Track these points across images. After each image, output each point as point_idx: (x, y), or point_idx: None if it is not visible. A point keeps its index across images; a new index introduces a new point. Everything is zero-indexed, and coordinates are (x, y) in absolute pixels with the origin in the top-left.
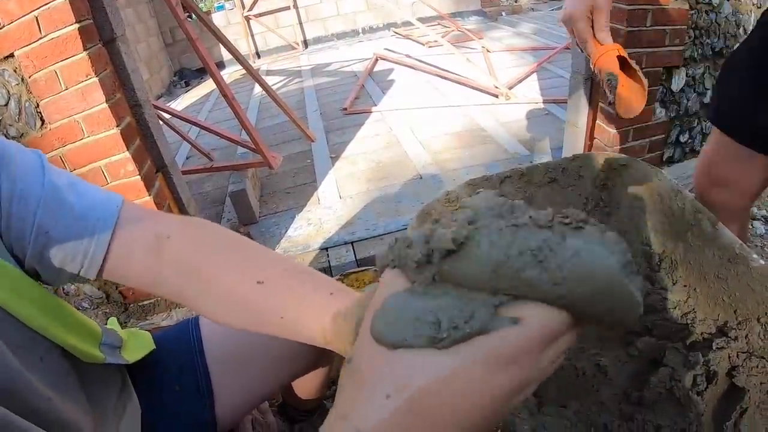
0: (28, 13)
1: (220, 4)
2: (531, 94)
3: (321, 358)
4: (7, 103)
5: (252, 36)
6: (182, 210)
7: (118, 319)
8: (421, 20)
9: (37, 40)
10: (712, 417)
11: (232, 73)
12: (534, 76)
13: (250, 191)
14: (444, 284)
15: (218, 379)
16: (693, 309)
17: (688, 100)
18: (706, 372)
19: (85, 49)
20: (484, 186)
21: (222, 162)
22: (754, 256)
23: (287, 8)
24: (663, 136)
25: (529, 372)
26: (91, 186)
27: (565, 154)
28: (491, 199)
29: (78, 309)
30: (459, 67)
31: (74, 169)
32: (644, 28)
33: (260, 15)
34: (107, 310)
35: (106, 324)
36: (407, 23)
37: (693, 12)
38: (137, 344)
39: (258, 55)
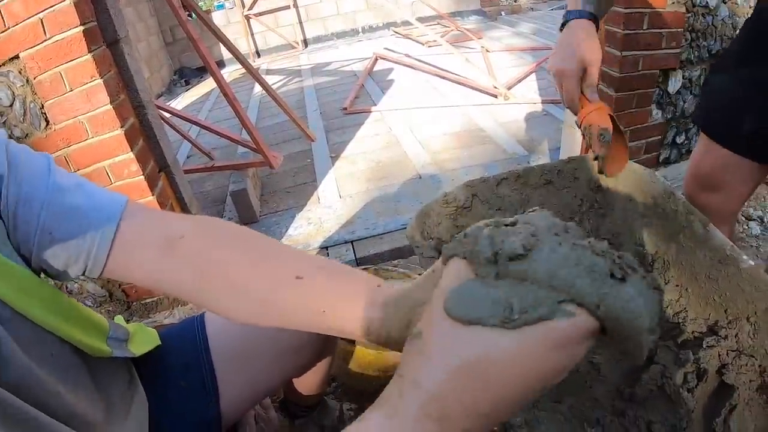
0: (33, 16)
1: (220, 3)
2: (530, 94)
3: (322, 353)
4: (12, 104)
5: (252, 35)
6: (184, 209)
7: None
8: (421, 20)
9: (42, 42)
10: (702, 413)
11: (231, 72)
12: (533, 76)
13: (250, 190)
14: (504, 280)
15: (223, 375)
16: (684, 308)
17: (684, 102)
18: (696, 370)
19: (89, 51)
20: (481, 187)
21: (223, 161)
22: (744, 257)
23: (287, 7)
24: (659, 137)
25: (571, 358)
26: (97, 188)
27: (563, 155)
28: (548, 219)
29: None
30: (458, 67)
31: (78, 170)
32: (641, 31)
33: (260, 14)
34: (110, 308)
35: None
36: (407, 23)
37: (690, 15)
38: (144, 338)
39: (258, 54)
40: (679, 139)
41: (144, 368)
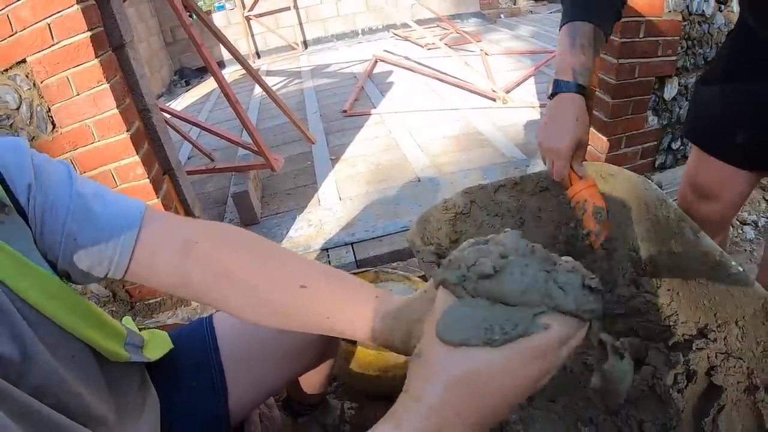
0: (40, 20)
1: (221, 4)
2: (528, 98)
3: (326, 353)
4: (19, 107)
5: (252, 36)
6: (188, 211)
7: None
8: (421, 22)
9: (50, 46)
10: (692, 413)
11: (231, 73)
12: (531, 79)
13: (252, 192)
14: (480, 299)
15: (232, 375)
16: (675, 312)
17: (679, 109)
18: (686, 371)
19: (96, 57)
20: (479, 194)
21: (224, 163)
22: (733, 263)
23: (287, 9)
24: (655, 143)
25: (551, 363)
26: (117, 195)
27: None
28: (517, 241)
29: None
30: (457, 70)
31: (84, 172)
32: (638, 39)
33: (260, 15)
34: (114, 309)
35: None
36: (406, 25)
37: (686, 23)
38: (157, 343)
39: (258, 55)
40: (675, 145)
41: (155, 369)
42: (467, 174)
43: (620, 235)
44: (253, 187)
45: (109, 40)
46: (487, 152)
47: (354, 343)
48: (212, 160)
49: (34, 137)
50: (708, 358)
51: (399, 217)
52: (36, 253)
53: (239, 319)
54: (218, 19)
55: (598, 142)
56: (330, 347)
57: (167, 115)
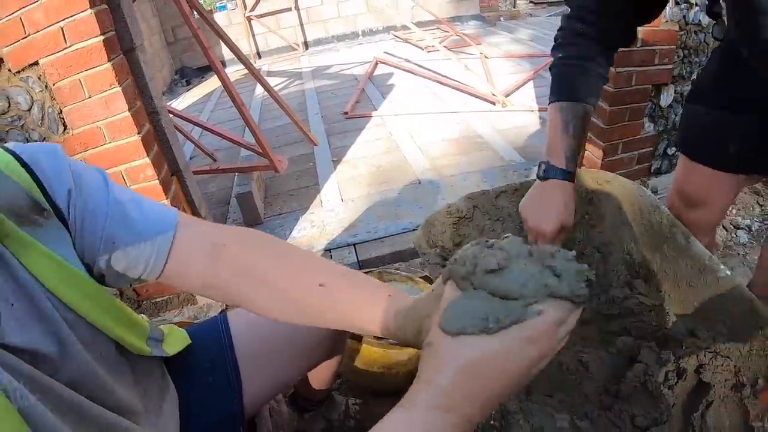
0: (53, 24)
1: (222, 4)
2: (527, 101)
3: (333, 350)
4: (31, 108)
5: (253, 36)
6: (195, 212)
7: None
8: (421, 24)
9: (62, 49)
10: (681, 409)
11: (233, 73)
12: (530, 83)
13: (255, 193)
14: (482, 292)
15: (247, 372)
16: (667, 312)
17: (675, 116)
18: (676, 369)
19: (109, 60)
20: (481, 199)
21: (227, 164)
22: (722, 267)
23: (289, 9)
24: (651, 148)
25: (549, 346)
26: (151, 201)
27: None
28: (518, 244)
29: None
30: (457, 73)
31: None
32: (635, 49)
33: (262, 16)
34: None
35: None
36: (406, 27)
37: (682, 33)
38: (175, 338)
39: (259, 55)
40: (670, 151)
41: (173, 365)
42: (467, 177)
43: (615, 239)
44: (256, 187)
45: (120, 44)
46: (486, 155)
47: (359, 340)
48: (214, 160)
49: (45, 138)
50: (697, 356)
51: (400, 218)
52: (74, 255)
53: (264, 316)
54: (219, 19)
55: (596, 147)
56: (337, 345)
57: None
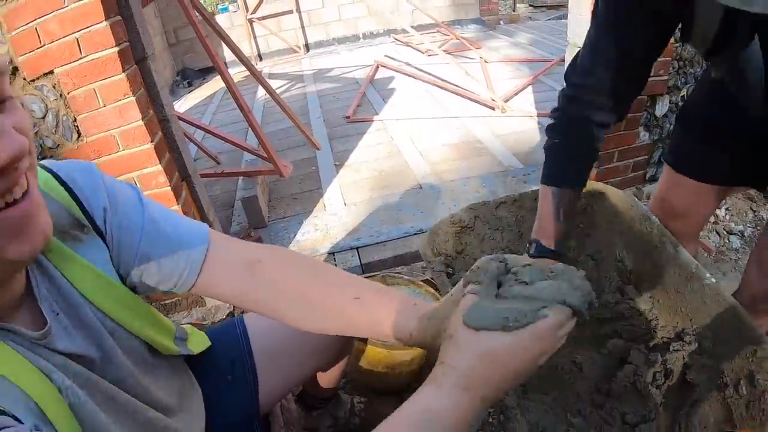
0: (69, 35)
1: (224, 6)
2: (525, 107)
3: (342, 352)
4: (45, 116)
5: (254, 38)
6: (203, 217)
7: None
8: (422, 27)
9: (77, 60)
10: (669, 407)
11: (234, 75)
12: (529, 88)
13: (260, 197)
14: (496, 298)
15: (263, 371)
16: (656, 317)
17: (670, 125)
18: (664, 369)
19: (123, 71)
20: (482, 210)
21: (233, 168)
22: (707, 275)
23: (290, 12)
24: (646, 156)
25: (551, 343)
26: (181, 217)
27: None
28: (539, 271)
29: None
30: (457, 77)
31: None
32: None
33: (263, 18)
34: None
35: None
36: (406, 30)
37: (678, 45)
38: (198, 338)
39: (260, 57)
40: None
41: (194, 365)
42: (467, 182)
43: (608, 247)
44: (261, 191)
45: (133, 54)
46: (485, 161)
47: (365, 341)
48: (218, 162)
49: (59, 145)
50: (683, 358)
51: (402, 223)
52: (111, 267)
53: (296, 327)
54: (221, 21)
55: None
56: (346, 347)
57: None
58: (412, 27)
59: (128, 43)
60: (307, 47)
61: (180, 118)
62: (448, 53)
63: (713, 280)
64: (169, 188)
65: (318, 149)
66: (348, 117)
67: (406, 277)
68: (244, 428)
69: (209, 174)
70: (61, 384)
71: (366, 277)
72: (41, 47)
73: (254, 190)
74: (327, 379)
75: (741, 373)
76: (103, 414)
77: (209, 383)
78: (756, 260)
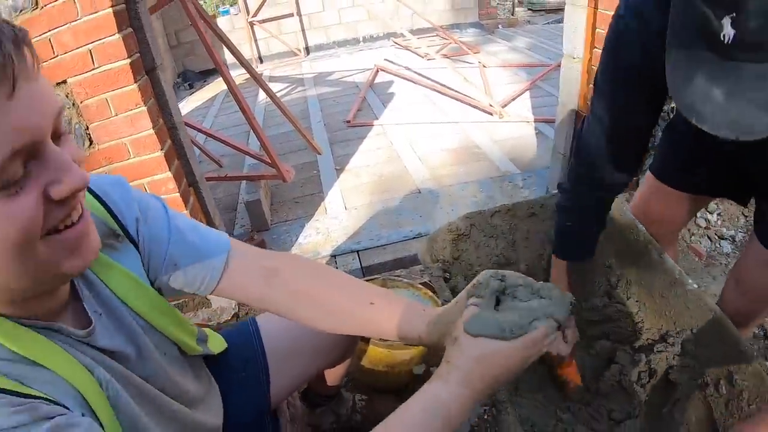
0: (82, 46)
1: (225, 9)
2: (523, 112)
3: (348, 351)
4: None
5: (255, 41)
6: (210, 221)
7: None
8: (421, 31)
9: (90, 70)
10: (653, 404)
11: (234, 77)
12: (526, 94)
13: (263, 200)
14: (495, 310)
15: (275, 369)
16: (642, 320)
17: (660, 133)
18: (648, 369)
19: (135, 82)
20: (478, 218)
21: (237, 172)
22: (690, 281)
23: (291, 15)
24: None
25: (538, 350)
26: (203, 226)
27: (551, 176)
28: (530, 286)
29: None
30: (456, 82)
31: None
32: None
33: (264, 21)
34: None
35: None
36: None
37: None
38: (215, 340)
39: (261, 60)
40: None
41: (210, 364)
42: (464, 187)
43: (597, 252)
44: (263, 195)
45: (143, 64)
46: (483, 166)
47: (367, 342)
48: (220, 165)
49: None
50: (667, 358)
51: (401, 227)
52: (142, 272)
53: (312, 327)
54: (222, 24)
55: None
56: (351, 346)
57: None
58: (410, 31)
59: (139, 55)
60: (308, 50)
61: (186, 124)
62: (447, 57)
63: (695, 286)
64: (178, 194)
65: (319, 153)
66: (348, 121)
67: (405, 280)
68: (257, 423)
69: (213, 177)
70: (101, 378)
71: (366, 280)
72: (54, 57)
73: (257, 194)
74: (332, 377)
75: (721, 373)
76: (137, 406)
77: (224, 381)
78: (734, 279)
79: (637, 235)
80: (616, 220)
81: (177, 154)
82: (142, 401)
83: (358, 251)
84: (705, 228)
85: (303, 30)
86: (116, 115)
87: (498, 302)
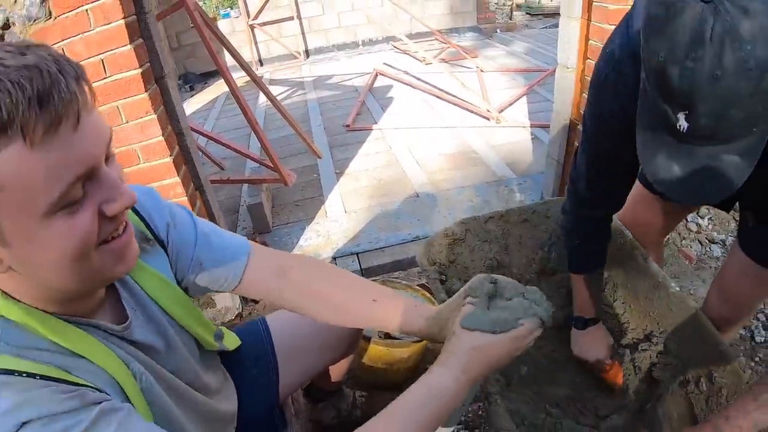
0: (94, 56)
1: (226, 12)
2: (520, 117)
3: (351, 347)
4: None
5: (255, 44)
6: (214, 223)
7: None
8: (420, 35)
9: (102, 79)
10: (636, 400)
11: (235, 80)
12: (523, 99)
13: (265, 203)
14: (489, 309)
15: (283, 366)
16: (628, 320)
17: None
18: (633, 367)
19: (145, 91)
20: (473, 224)
21: (240, 175)
22: (672, 284)
23: (291, 18)
24: None
25: (523, 344)
26: (226, 232)
27: (545, 183)
28: (518, 287)
29: None
30: (454, 87)
31: None
32: None
33: (264, 24)
34: None
35: None
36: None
37: None
38: (230, 337)
39: (261, 62)
40: None
41: (223, 360)
42: (461, 191)
43: None
44: (265, 198)
45: (153, 73)
46: (479, 170)
47: (368, 341)
48: (222, 168)
49: None
50: (650, 357)
51: (399, 230)
52: (170, 273)
53: (319, 321)
54: (223, 26)
55: None
56: (354, 342)
57: None
58: (409, 35)
59: (149, 64)
60: (307, 53)
61: (194, 131)
62: (445, 62)
63: (677, 289)
64: (186, 198)
65: (320, 158)
66: (348, 125)
67: (403, 282)
68: (267, 416)
69: (216, 180)
70: (136, 371)
71: None
72: None
73: (259, 197)
74: (335, 373)
75: (701, 371)
76: (166, 397)
77: (236, 378)
78: (717, 287)
79: (624, 240)
80: None
81: (184, 159)
82: (170, 392)
83: (357, 253)
84: (696, 232)
85: (303, 33)
86: (127, 122)
87: (491, 301)
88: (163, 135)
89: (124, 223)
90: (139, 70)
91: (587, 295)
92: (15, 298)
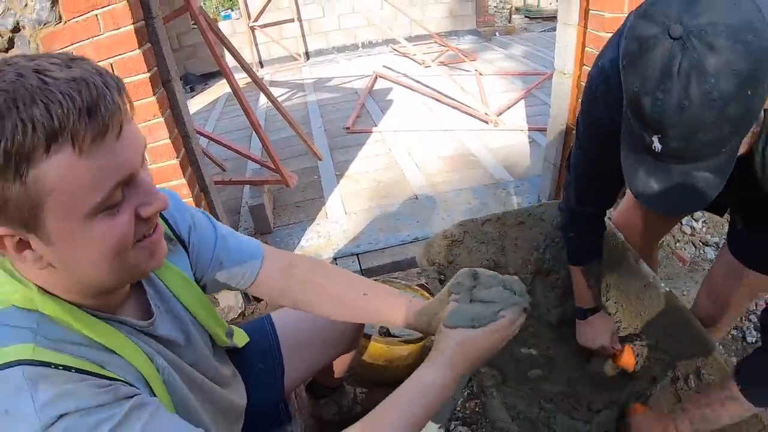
0: (103, 60)
1: (227, 14)
2: (518, 121)
3: (353, 343)
4: None
5: (256, 45)
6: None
7: None
8: (419, 38)
9: None
10: (628, 395)
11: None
12: (521, 102)
13: (266, 204)
14: (471, 303)
15: (288, 362)
16: (620, 319)
17: None
18: None
19: (153, 94)
20: (470, 226)
21: (241, 176)
22: (662, 285)
23: (291, 20)
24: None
25: (506, 335)
26: (241, 235)
27: (542, 186)
28: (497, 278)
29: None
30: (453, 90)
31: None
32: None
33: (265, 26)
34: None
35: None
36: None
37: None
38: (239, 335)
39: (261, 64)
40: None
41: (231, 356)
42: (459, 194)
43: None
44: (267, 199)
45: (160, 77)
46: (478, 173)
47: (368, 338)
48: (223, 169)
49: None
50: (641, 354)
51: (399, 231)
52: (190, 272)
53: (321, 316)
54: (224, 28)
55: None
56: (356, 338)
57: None
58: (409, 38)
59: (157, 68)
60: (307, 55)
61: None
62: (444, 65)
63: (667, 289)
64: (191, 199)
65: (320, 159)
66: (348, 128)
67: (403, 282)
68: (273, 410)
69: (219, 182)
70: (160, 365)
71: None
72: None
73: (261, 198)
74: (338, 369)
75: (690, 368)
76: (187, 390)
77: (243, 373)
78: (706, 287)
79: (616, 242)
80: None
81: (190, 161)
82: (189, 384)
83: (357, 254)
84: (690, 235)
85: (303, 35)
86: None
87: (473, 294)
88: (170, 137)
89: (156, 223)
90: (148, 74)
91: (585, 286)
92: (50, 293)
